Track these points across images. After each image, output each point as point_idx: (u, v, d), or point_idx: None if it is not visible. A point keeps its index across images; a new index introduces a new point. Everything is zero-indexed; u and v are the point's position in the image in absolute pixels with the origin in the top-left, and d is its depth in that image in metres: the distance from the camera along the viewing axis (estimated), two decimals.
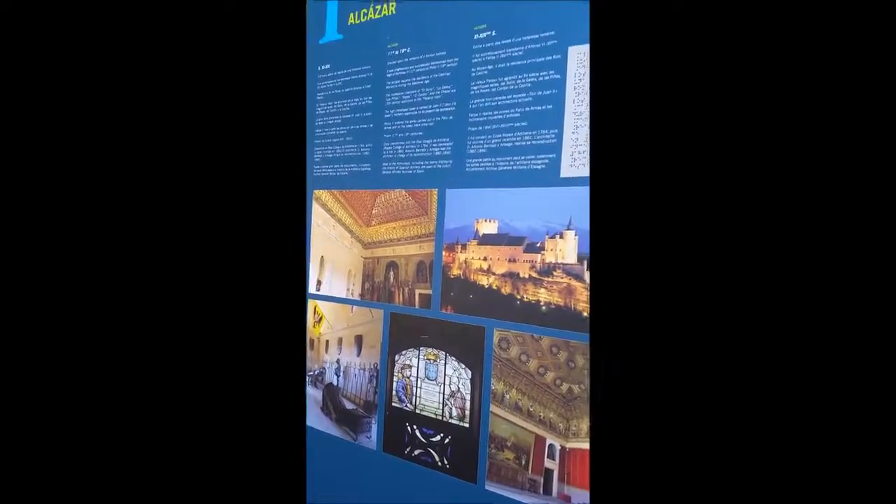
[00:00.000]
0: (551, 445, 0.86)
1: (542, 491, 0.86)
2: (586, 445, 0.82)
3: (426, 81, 0.98)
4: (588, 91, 0.79)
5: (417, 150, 1.00)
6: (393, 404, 1.06)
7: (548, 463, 0.86)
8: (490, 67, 0.89)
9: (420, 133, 0.99)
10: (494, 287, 0.91)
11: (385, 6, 1.04)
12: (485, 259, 0.92)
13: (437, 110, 0.96)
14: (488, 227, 0.92)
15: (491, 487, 0.92)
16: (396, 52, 1.02)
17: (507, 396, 0.90)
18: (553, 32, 0.82)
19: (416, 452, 1.02)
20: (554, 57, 0.82)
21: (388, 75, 1.03)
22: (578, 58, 0.80)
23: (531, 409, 0.88)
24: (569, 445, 0.84)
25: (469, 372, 0.95)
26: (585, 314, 0.81)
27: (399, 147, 1.02)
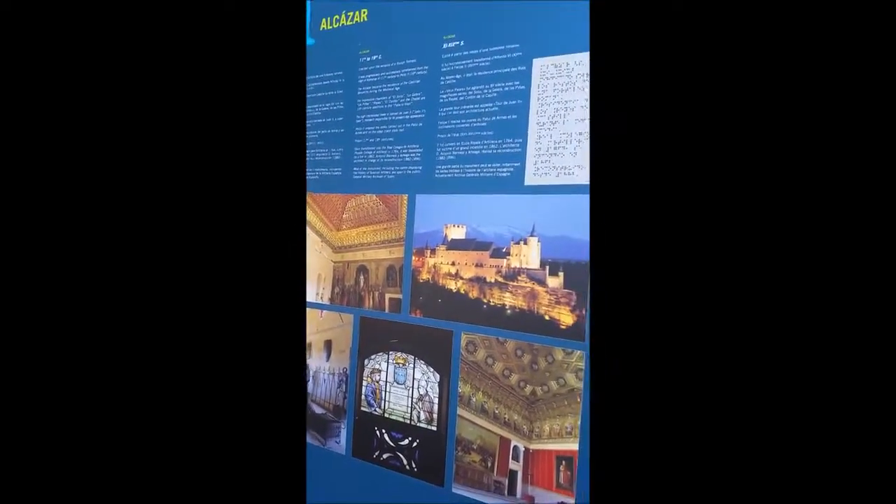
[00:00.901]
0: (515, 447, 0.87)
1: (506, 492, 0.88)
2: (548, 447, 0.84)
3: (397, 88, 0.99)
4: (551, 102, 0.82)
5: (388, 155, 1.01)
6: (362, 409, 1.06)
7: (512, 464, 0.88)
8: (458, 76, 0.91)
9: (391, 139, 1.00)
10: (462, 291, 0.93)
11: (357, 13, 1.05)
12: (453, 264, 0.94)
13: (408, 117, 0.98)
14: (457, 233, 0.93)
15: (458, 490, 0.93)
16: (368, 59, 1.03)
17: (474, 399, 0.92)
18: (518, 45, 0.85)
19: (385, 456, 1.03)
20: (519, 68, 0.85)
21: (360, 81, 1.04)
22: (542, 70, 0.83)
23: (496, 412, 0.89)
24: (532, 447, 0.86)
25: (437, 375, 0.96)
26: (547, 317, 0.83)
27: (370, 152, 1.04)
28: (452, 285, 0.94)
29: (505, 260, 0.88)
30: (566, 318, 0.81)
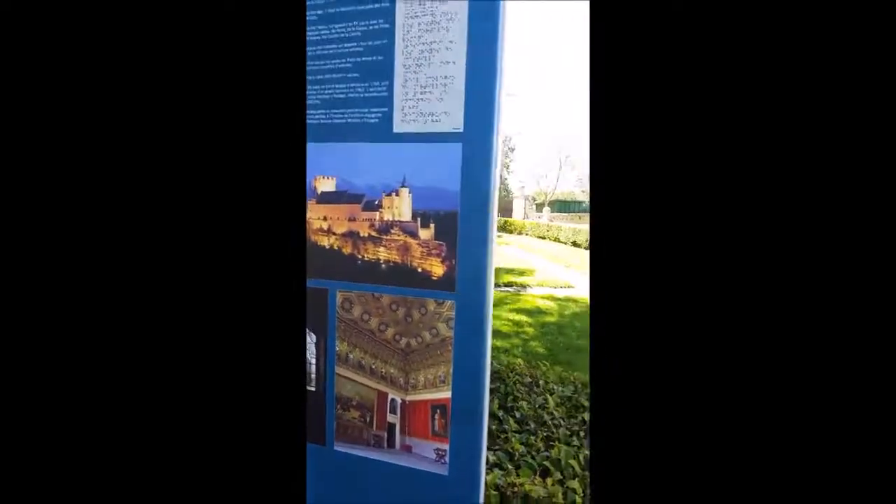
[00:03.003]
0: (392, 400, 0.87)
1: (385, 445, 0.88)
2: (423, 397, 0.85)
3: None
4: (416, 43, 0.78)
5: None
6: None
7: (390, 417, 0.88)
8: (320, 12, 0.83)
9: None
10: (336, 248, 0.89)
11: None
12: (325, 219, 0.89)
13: None
14: (327, 185, 0.88)
15: (339, 447, 0.92)
16: None
17: (351, 356, 0.90)
18: None
19: None
20: (383, 5, 0.79)
21: None
22: (406, 9, 0.78)
23: (373, 367, 0.88)
24: (408, 398, 0.86)
25: (314, 336, 0.92)
26: (420, 270, 0.82)
27: None
28: (325, 242, 0.89)
29: (378, 213, 0.85)
30: (437, 269, 0.81)
